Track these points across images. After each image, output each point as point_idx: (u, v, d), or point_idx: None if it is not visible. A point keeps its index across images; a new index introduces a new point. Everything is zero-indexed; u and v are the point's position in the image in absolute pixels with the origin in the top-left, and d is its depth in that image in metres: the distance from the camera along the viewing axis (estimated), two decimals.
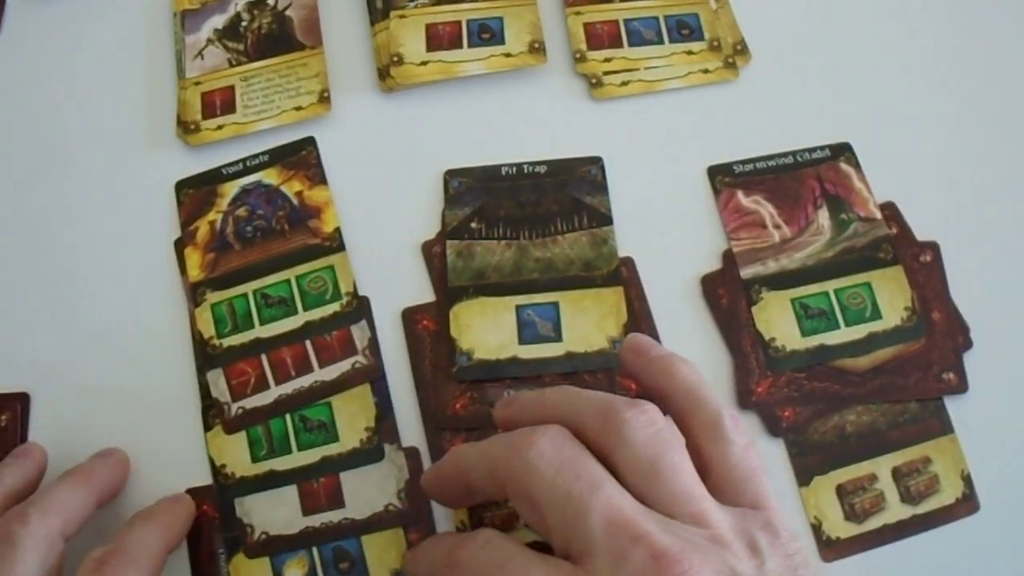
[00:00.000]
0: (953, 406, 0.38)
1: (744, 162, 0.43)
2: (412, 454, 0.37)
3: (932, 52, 0.46)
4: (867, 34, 0.47)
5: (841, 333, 0.39)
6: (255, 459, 0.37)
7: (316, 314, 0.40)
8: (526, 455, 0.28)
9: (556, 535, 0.28)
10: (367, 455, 0.37)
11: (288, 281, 0.40)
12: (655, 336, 0.39)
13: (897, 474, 0.37)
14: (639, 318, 0.40)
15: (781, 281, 0.40)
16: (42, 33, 0.48)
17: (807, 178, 0.43)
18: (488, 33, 0.45)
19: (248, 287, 0.40)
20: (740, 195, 0.42)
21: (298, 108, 0.44)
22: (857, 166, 0.43)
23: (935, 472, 0.37)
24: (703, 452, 0.30)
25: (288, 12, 0.47)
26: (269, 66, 0.45)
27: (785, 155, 0.43)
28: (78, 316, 0.41)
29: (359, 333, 0.39)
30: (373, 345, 0.39)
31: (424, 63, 0.45)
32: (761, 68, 0.46)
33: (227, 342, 0.39)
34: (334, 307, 0.40)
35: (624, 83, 0.45)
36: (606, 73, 0.45)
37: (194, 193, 0.43)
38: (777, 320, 0.39)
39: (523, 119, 0.44)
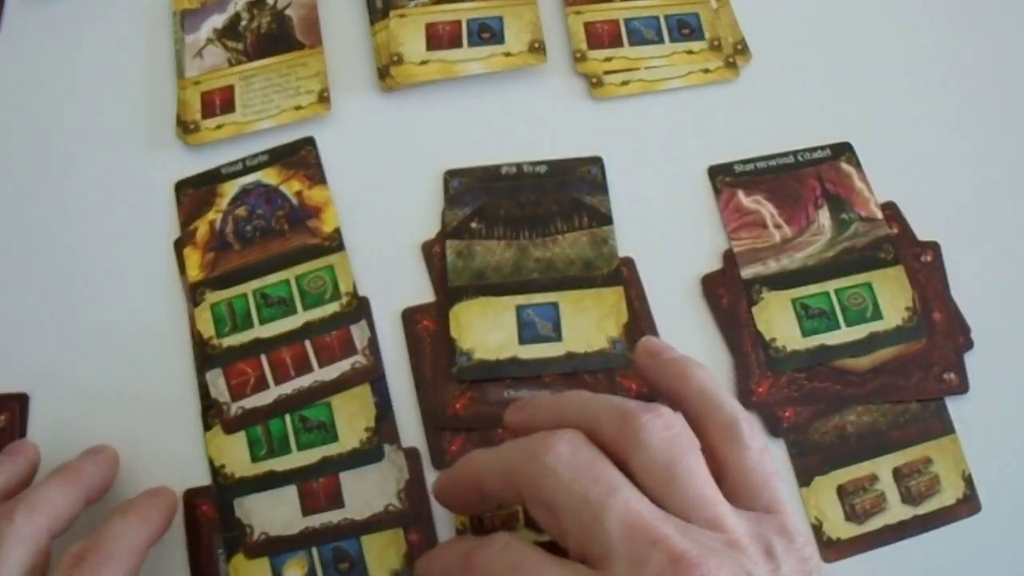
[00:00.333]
0: (954, 406, 0.38)
1: (745, 162, 0.43)
2: (412, 454, 0.37)
3: (932, 52, 0.46)
4: (867, 34, 0.47)
5: (842, 333, 0.39)
6: (255, 459, 0.37)
7: (316, 314, 0.40)
8: (543, 459, 0.28)
9: (573, 539, 0.28)
10: (367, 455, 0.37)
11: (288, 281, 0.40)
12: (655, 336, 0.39)
13: (898, 474, 0.37)
14: (639, 318, 0.40)
15: (782, 281, 0.40)
16: (42, 33, 0.48)
17: (808, 178, 0.43)
18: (488, 32, 0.45)
19: (248, 287, 0.40)
20: (741, 195, 0.42)
21: (297, 108, 0.44)
22: (858, 166, 0.43)
23: (936, 472, 0.37)
24: (719, 456, 0.30)
25: (287, 11, 0.47)
26: (268, 66, 0.45)
27: (786, 155, 0.43)
28: (78, 316, 0.41)
29: (359, 333, 0.39)
30: (373, 345, 0.39)
31: (424, 63, 0.45)
32: (761, 68, 0.46)
33: (227, 342, 0.39)
34: (334, 307, 0.40)
35: (624, 83, 0.45)
36: (606, 73, 0.45)
37: (194, 193, 0.43)
38: (778, 320, 0.39)
39: (523, 119, 0.44)
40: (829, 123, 0.44)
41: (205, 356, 0.39)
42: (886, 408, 0.38)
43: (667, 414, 0.29)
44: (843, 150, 0.43)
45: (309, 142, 0.44)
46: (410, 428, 0.38)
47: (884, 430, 0.38)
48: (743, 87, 0.45)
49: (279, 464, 0.37)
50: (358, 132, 0.44)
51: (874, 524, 0.36)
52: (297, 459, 0.37)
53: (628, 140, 0.44)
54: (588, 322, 0.39)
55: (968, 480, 0.37)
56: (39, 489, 0.32)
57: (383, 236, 0.42)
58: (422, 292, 0.41)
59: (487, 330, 0.39)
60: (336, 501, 0.37)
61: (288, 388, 0.38)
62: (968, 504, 0.37)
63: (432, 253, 0.41)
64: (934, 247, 0.41)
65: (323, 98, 0.44)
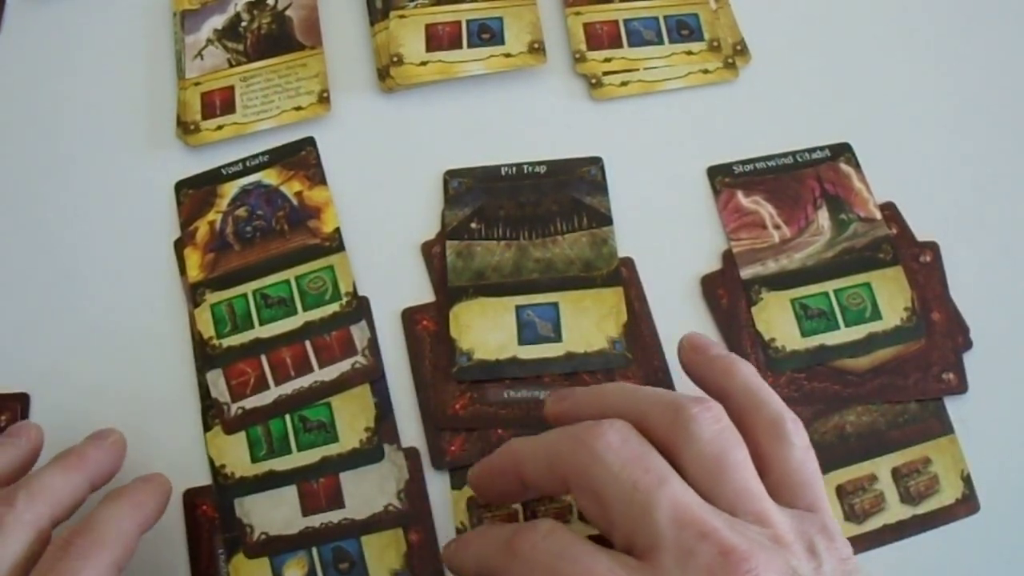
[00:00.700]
0: (953, 406, 0.38)
1: (744, 162, 0.43)
2: (412, 454, 0.37)
3: (932, 52, 0.46)
4: (867, 34, 0.47)
5: (841, 333, 0.39)
6: (255, 459, 0.37)
7: (316, 314, 0.40)
8: (593, 447, 0.28)
9: (620, 529, 0.27)
10: (367, 455, 0.37)
11: (288, 281, 0.40)
12: (655, 336, 0.39)
13: (897, 474, 0.37)
14: (639, 318, 0.40)
15: (781, 281, 0.40)
16: (42, 33, 0.48)
17: (807, 178, 0.43)
18: (488, 33, 0.45)
19: (248, 287, 0.40)
20: (740, 195, 0.42)
21: (298, 108, 0.44)
22: (857, 166, 0.43)
23: (935, 472, 0.37)
24: (764, 452, 0.30)
25: (288, 12, 0.47)
26: (269, 66, 0.45)
27: (785, 155, 0.43)
28: (78, 316, 0.41)
29: (359, 333, 0.39)
30: (373, 345, 0.39)
31: (424, 63, 0.45)
32: (761, 68, 0.46)
33: (227, 342, 0.39)
34: (334, 307, 0.40)
35: (624, 83, 0.45)
36: (606, 73, 0.45)
37: (194, 193, 0.43)
38: (777, 320, 0.39)
39: (523, 119, 0.45)
40: (828, 124, 0.44)
41: (205, 356, 0.39)
42: (885, 408, 0.38)
43: (715, 407, 0.29)
44: (842, 150, 0.43)
45: (309, 143, 0.44)
46: (410, 428, 0.38)
47: (883, 430, 0.38)
48: (742, 88, 0.45)
49: (279, 464, 0.37)
50: (358, 133, 0.44)
51: (873, 524, 0.36)
52: (297, 459, 0.37)
53: (628, 141, 0.44)
54: (588, 322, 0.39)
55: (967, 480, 0.37)
56: (42, 475, 0.31)
57: (383, 236, 0.42)
58: (422, 292, 0.41)
59: (487, 330, 0.39)
60: (336, 501, 0.37)
61: (288, 388, 0.38)
62: (967, 504, 0.37)
63: (432, 253, 0.41)
64: (933, 247, 0.41)
65: (323, 99, 0.44)
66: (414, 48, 0.45)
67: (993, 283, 0.41)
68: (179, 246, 0.42)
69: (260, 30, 0.47)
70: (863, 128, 0.44)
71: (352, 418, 0.38)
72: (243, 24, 0.47)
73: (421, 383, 0.39)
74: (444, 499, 0.37)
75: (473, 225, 0.42)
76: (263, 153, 0.44)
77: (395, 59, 0.45)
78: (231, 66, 0.46)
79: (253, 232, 0.42)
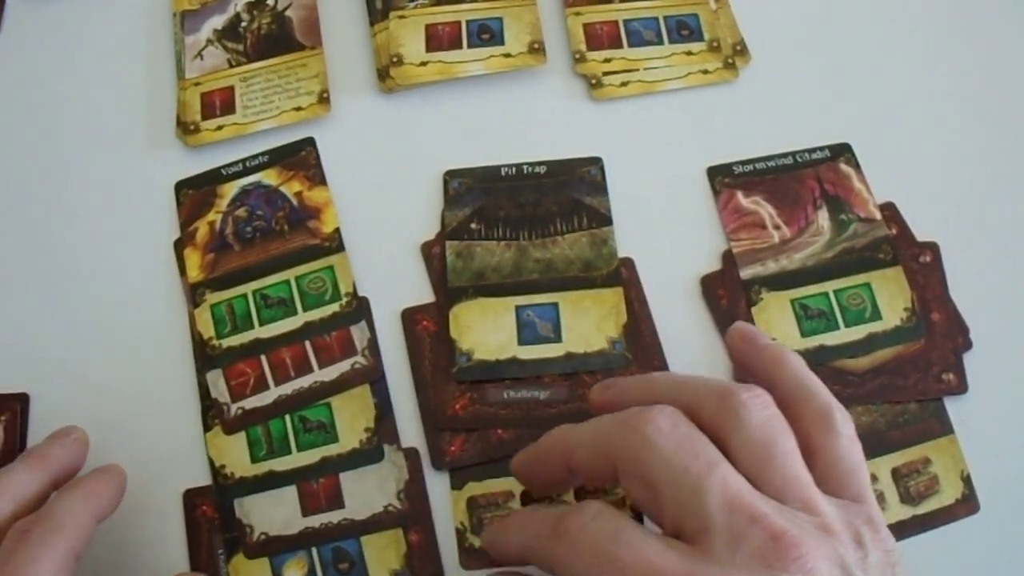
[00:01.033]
0: (953, 407, 0.38)
1: (744, 163, 0.43)
2: (412, 455, 0.37)
3: (932, 52, 0.46)
4: (867, 34, 0.47)
5: (841, 334, 0.39)
6: (255, 460, 0.37)
7: (316, 315, 0.40)
8: (644, 431, 0.28)
9: (669, 513, 0.28)
10: (367, 456, 0.37)
11: (288, 282, 0.40)
12: (655, 337, 0.39)
13: (897, 474, 0.37)
14: (639, 319, 0.40)
15: (781, 282, 0.40)
16: (42, 33, 0.48)
17: (807, 179, 0.43)
18: (488, 33, 0.45)
19: (247, 288, 0.40)
20: (740, 196, 0.42)
21: (298, 108, 0.44)
22: (857, 167, 0.43)
23: (935, 473, 0.37)
24: (812, 441, 0.30)
25: (288, 12, 0.47)
26: (269, 67, 0.45)
27: (785, 155, 0.43)
28: (78, 316, 0.41)
29: (359, 334, 0.39)
30: (373, 346, 0.39)
31: (424, 63, 0.45)
32: (761, 69, 0.46)
33: (226, 343, 0.39)
34: (334, 308, 0.40)
35: (624, 83, 0.45)
36: (606, 74, 0.45)
37: (194, 194, 0.43)
38: (777, 321, 0.39)
39: (523, 119, 0.45)
40: (828, 124, 0.44)
41: (205, 356, 0.39)
42: (885, 408, 0.38)
43: (764, 394, 0.29)
44: (842, 151, 0.43)
45: (309, 143, 0.44)
46: (410, 428, 0.38)
47: (883, 430, 0.38)
48: (742, 88, 0.45)
49: (279, 464, 0.37)
50: (358, 133, 0.44)
51: None
52: (297, 459, 0.37)
53: (627, 141, 0.44)
54: (588, 323, 0.39)
55: (967, 480, 0.37)
56: (7, 473, 0.32)
57: (383, 236, 0.42)
58: (422, 293, 0.41)
59: (487, 331, 0.39)
60: (336, 501, 0.37)
61: (288, 388, 0.38)
62: (967, 504, 0.37)
63: (432, 254, 0.41)
64: (933, 248, 0.41)
65: (323, 99, 0.44)
66: (414, 48, 0.45)
67: (993, 283, 0.41)
68: (179, 246, 0.42)
69: (260, 30, 0.47)
70: (863, 128, 0.44)
71: (352, 418, 0.38)
72: (243, 24, 0.47)
73: (421, 383, 0.39)
74: (444, 499, 0.37)
75: (473, 225, 0.42)
76: (263, 153, 0.44)
77: (395, 59, 0.45)
78: (231, 66, 0.46)
79: (253, 232, 0.42)
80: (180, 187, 0.43)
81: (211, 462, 0.38)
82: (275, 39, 0.46)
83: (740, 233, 0.41)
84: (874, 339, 0.39)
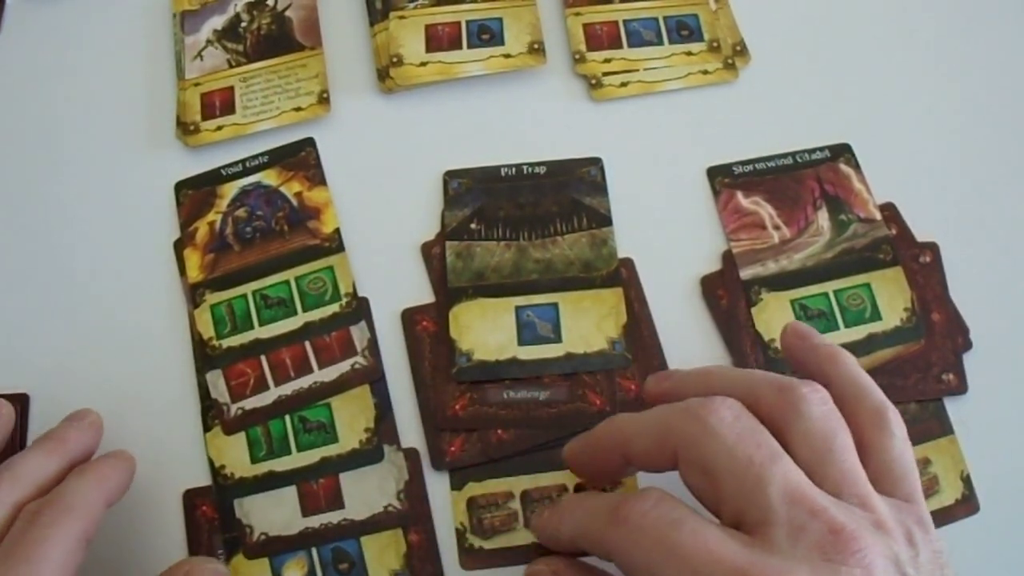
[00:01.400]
0: (953, 407, 0.38)
1: (744, 163, 0.43)
2: (411, 455, 0.37)
3: (931, 53, 0.46)
4: (867, 34, 0.47)
5: (841, 334, 0.39)
6: (254, 460, 0.37)
7: (315, 315, 0.40)
8: (707, 420, 0.28)
9: (729, 504, 0.28)
10: (366, 456, 0.37)
11: (287, 282, 0.40)
12: (655, 337, 0.39)
13: None
14: (639, 319, 0.40)
15: (781, 282, 0.40)
16: (42, 33, 0.48)
17: (807, 179, 0.43)
18: (487, 34, 0.45)
19: (247, 288, 0.40)
20: (740, 196, 0.42)
21: (297, 109, 0.44)
22: (857, 167, 0.43)
23: (935, 473, 0.37)
24: (865, 440, 0.30)
25: (287, 13, 0.47)
26: (268, 67, 0.45)
27: (785, 156, 0.43)
28: (78, 316, 0.41)
29: (358, 334, 0.39)
30: (372, 346, 0.39)
31: (423, 64, 0.45)
32: (761, 69, 0.46)
33: (226, 343, 0.39)
34: (333, 308, 0.40)
35: (623, 84, 0.45)
36: (605, 74, 0.45)
37: (193, 194, 0.43)
38: (777, 321, 0.39)
39: (522, 120, 0.45)
40: (828, 124, 0.44)
41: (205, 357, 0.39)
42: None
43: (822, 389, 0.30)
44: (842, 151, 0.43)
45: (309, 143, 0.44)
46: (410, 429, 0.38)
47: None
48: (742, 88, 0.45)
49: (279, 465, 0.37)
50: (358, 133, 0.44)
51: None
52: (297, 460, 0.37)
53: (627, 141, 0.44)
54: (587, 323, 0.39)
55: (967, 481, 0.37)
56: (25, 458, 0.32)
57: (383, 237, 0.42)
58: (422, 293, 0.41)
59: (487, 331, 0.39)
60: (336, 502, 0.37)
61: (288, 389, 0.38)
62: (967, 504, 0.37)
63: (432, 254, 0.41)
64: (933, 248, 0.41)
65: (323, 99, 0.44)
66: (414, 49, 0.45)
67: (993, 283, 0.41)
68: (179, 247, 0.42)
69: (260, 31, 0.47)
70: (863, 128, 0.44)
71: (352, 419, 0.38)
72: (243, 25, 0.47)
73: (421, 384, 0.39)
74: (444, 500, 0.37)
75: (473, 226, 0.42)
76: (263, 154, 0.44)
77: (395, 60, 0.45)
78: (231, 67, 0.46)
79: (253, 233, 0.42)
80: (180, 187, 0.43)
81: (211, 462, 0.38)
82: (275, 39, 0.46)
83: (740, 233, 0.41)
84: (874, 339, 0.39)
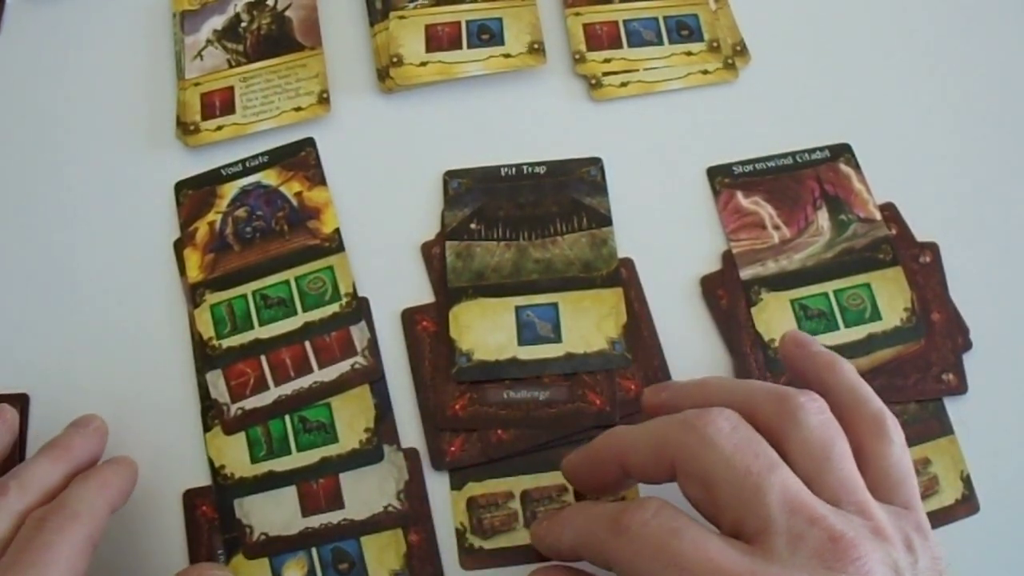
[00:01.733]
0: (953, 407, 0.38)
1: (744, 163, 0.43)
2: (411, 455, 0.37)
3: (931, 53, 0.46)
4: (866, 35, 0.47)
5: (841, 334, 0.39)
6: (254, 460, 0.37)
7: (315, 315, 0.40)
8: (704, 431, 0.28)
9: (728, 513, 0.28)
10: (366, 456, 0.37)
11: (287, 282, 0.40)
12: (655, 337, 0.39)
13: None
14: (639, 319, 0.40)
15: (781, 282, 0.40)
16: (42, 33, 0.48)
17: (807, 179, 0.43)
18: (487, 34, 0.45)
19: (247, 288, 0.40)
20: (740, 196, 0.42)
21: (297, 109, 0.44)
22: (857, 167, 0.43)
23: (934, 473, 0.37)
24: (864, 448, 0.30)
25: (287, 13, 0.47)
26: (268, 67, 0.45)
27: (785, 156, 0.43)
28: (78, 316, 0.41)
29: (358, 334, 0.39)
30: (372, 346, 0.39)
31: (423, 64, 0.45)
32: (760, 69, 0.46)
33: (226, 343, 0.39)
34: (333, 308, 0.40)
35: (623, 84, 0.45)
36: (605, 74, 0.45)
37: (193, 194, 0.43)
38: (777, 321, 0.39)
39: (522, 120, 0.45)
40: (828, 124, 0.44)
41: (205, 357, 0.39)
42: None
43: (819, 398, 0.30)
44: (842, 151, 0.43)
45: (309, 143, 0.44)
46: (410, 429, 0.38)
47: None
48: (742, 88, 0.45)
49: (279, 465, 0.37)
50: (358, 133, 0.44)
51: None
52: (297, 460, 0.37)
53: (627, 141, 0.44)
54: (587, 323, 0.39)
55: (967, 481, 0.37)
56: (32, 466, 0.33)
57: (383, 237, 0.42)
58: (422, 293, 0.41)
59: (487, 331, 0.39)
60: (336, 502, 0.37)
61: (288, 389, 0.38)
62: (967, 504, 0.37)
63: (432, 254, 0.41)
64: (933, 248, 0.41)
65: (323, 99, 0.44)
66: (414, 49, 0.45)
67: (993, 283, 0.41)
68: (179, 246, 0.42)
69: (260, 31, 0.47)
70: (863, 128, 0.44)
71: (352, 419, 0.38)
72: (243, 25, 0.47)
73: (421, 384, 0.39)
74: (444, 500, 0.37)
75: (473, 226, 0.42)
76: (263, 154, 0.44)
77: (395, 60, 0.45)
78: (231, 67, 0.46)
79: (253, 233, 0.42)
80: (180, 187, 0.43)
81: (211, 462, 0.38)
82: (275, 39, 0.46)
83: (740, 233, 0.41)
84: (874, 339, 0.39)
